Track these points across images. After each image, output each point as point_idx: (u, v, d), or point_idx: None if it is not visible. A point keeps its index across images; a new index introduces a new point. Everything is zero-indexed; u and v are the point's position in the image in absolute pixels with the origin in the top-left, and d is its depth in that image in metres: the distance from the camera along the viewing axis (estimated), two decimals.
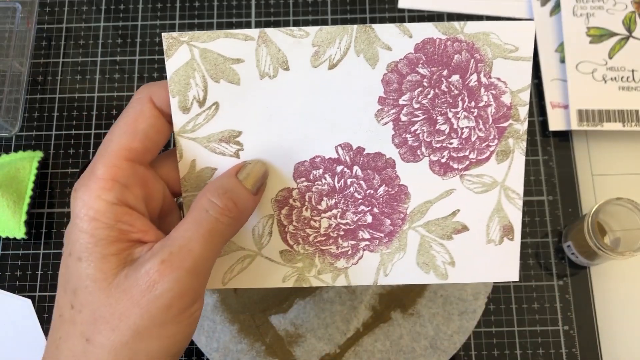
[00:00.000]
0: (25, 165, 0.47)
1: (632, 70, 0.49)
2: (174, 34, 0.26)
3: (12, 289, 0.46)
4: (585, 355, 0.44)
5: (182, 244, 0.23)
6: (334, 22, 0.53)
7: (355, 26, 0.27)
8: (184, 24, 0.53)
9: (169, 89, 0.27)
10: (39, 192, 0.49)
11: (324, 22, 0.53)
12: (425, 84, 0.28)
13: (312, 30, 0.27)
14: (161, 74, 0.52)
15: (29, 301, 0.46)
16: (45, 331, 0.45)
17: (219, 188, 0.25)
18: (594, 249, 0.41)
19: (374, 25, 0.27)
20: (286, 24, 0.53)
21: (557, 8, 0.51)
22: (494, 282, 0.44)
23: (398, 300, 0.43)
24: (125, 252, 0.23)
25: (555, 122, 0.48)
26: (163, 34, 0.26)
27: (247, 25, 0.53)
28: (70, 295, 0.23)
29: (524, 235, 0.46)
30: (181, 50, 0.26)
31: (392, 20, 0.52)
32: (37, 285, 0.46)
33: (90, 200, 0.23)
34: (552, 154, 0.48)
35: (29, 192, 0.46)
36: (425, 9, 0.53)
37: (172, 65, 0.27)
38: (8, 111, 0.50)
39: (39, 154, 0.48)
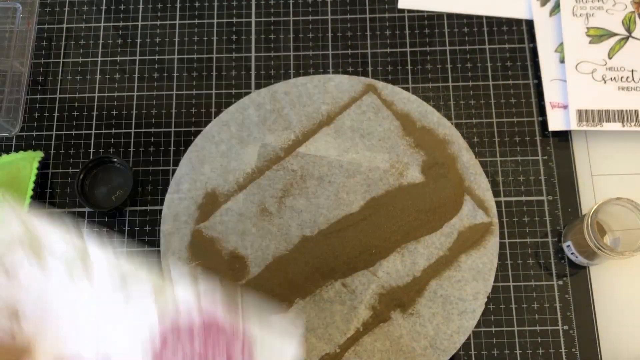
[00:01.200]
0: (25, 165, 0.47)
1: (632, 71, 0.49)
2: None
3: None
4: (585, 355, 0.44)
5: None
6: (334, 22, 0.53)
7: None
8: (184, 24, 0.53)
9: None
10: (40, 192, 0.49)
11: (324, 22, 0.53)
12: None
13: None
14: (161, 74, 0.52)
15: None
16: None
17: None
18: (593, 249, 0.41)
19: None
20: (286, 24, 0.53)
21: (556, 8, 0.51)
22: (494, 282, 0.44)
23: (398, 300, 0.44)
24: None
25: (555, 122, 0.48)
26: None
27: (247, 25, 0.53)
28: None
29: (523, 235, 0.46)
30: None
31: (392, 20, 0.52)
32: None
33: None
34: (551, 154, 0.48)
35: (30, 192, 0.46)
36: (425, 9, 0.53)
37: None
38: (8, 111, 0.50)
39: (39, 154, 0.48)
